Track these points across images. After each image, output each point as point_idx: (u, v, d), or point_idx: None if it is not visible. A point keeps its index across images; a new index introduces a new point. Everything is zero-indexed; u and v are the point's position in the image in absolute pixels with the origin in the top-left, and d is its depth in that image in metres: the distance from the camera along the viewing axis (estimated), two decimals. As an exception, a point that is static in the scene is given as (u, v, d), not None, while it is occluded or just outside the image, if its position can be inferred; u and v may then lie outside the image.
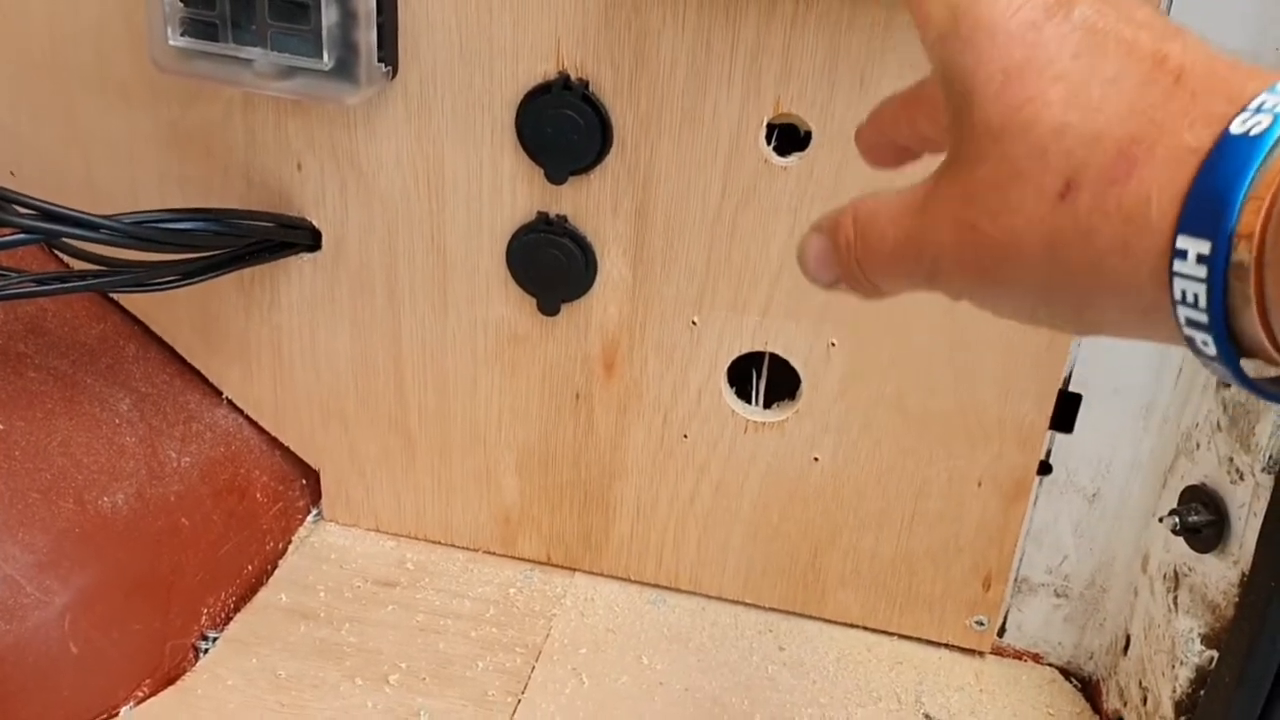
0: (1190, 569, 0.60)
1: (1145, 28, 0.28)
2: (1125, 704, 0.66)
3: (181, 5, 0.60)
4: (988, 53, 0.29)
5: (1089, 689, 0.71)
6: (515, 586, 0.75)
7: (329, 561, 0.75)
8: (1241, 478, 0.56)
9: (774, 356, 0.67)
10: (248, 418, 0.75)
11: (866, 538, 0.70)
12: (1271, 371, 0.26)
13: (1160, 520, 0.60)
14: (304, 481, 0.78)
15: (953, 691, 0.70)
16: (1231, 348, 0.25)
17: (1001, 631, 0.72)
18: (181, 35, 0.61)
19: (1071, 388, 0.64)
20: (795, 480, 0.70)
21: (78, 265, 0.65)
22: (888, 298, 0.34)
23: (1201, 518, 0.58)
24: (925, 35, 0.32)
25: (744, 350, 0.67)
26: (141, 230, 0.61)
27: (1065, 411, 0.65)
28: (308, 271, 0.69)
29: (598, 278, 0.66)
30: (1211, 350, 0.26)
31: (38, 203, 0.58)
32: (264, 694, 0.66)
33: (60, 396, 0.68)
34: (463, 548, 0.77)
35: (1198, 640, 0.58)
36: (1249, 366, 0.26)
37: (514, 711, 0.66)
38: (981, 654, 0.72)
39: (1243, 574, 0.56)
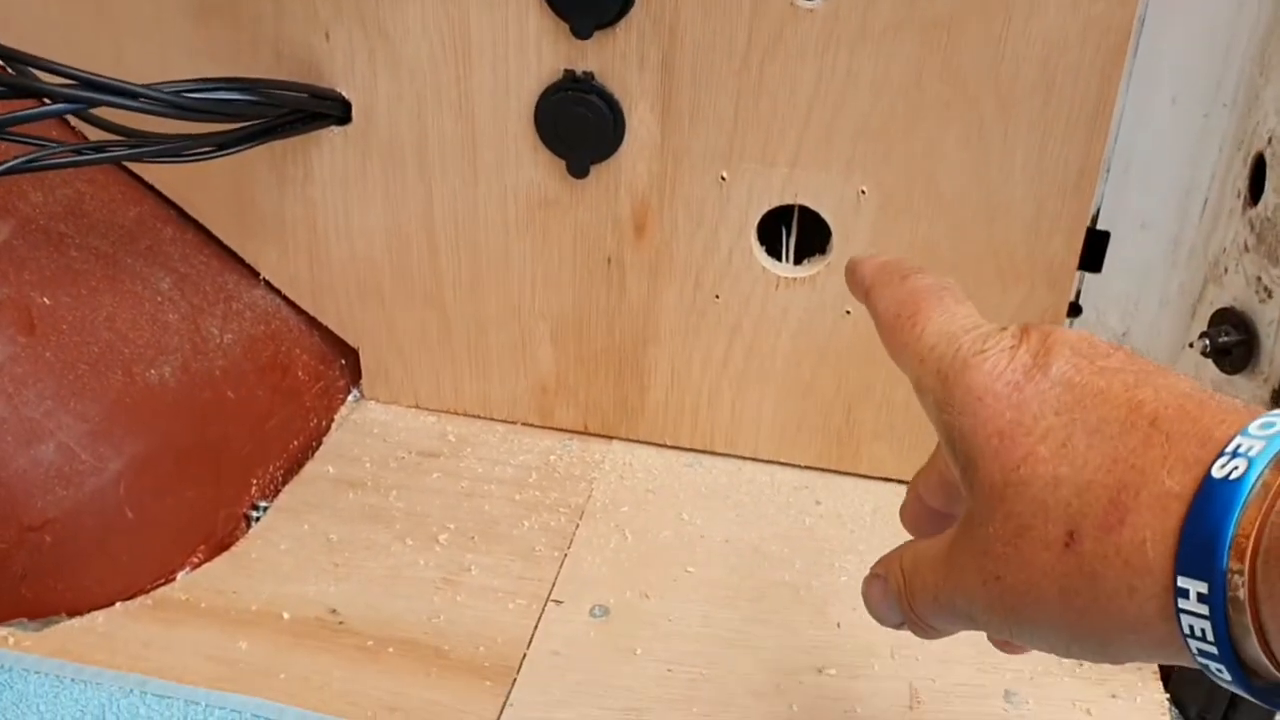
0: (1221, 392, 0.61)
1: (1118, 375, 0.30)
2: (1158, 537, 0.67)
3: None
4: (980, 416, 0.32)
5: (1122, 529, 0.72)
6: (555, 454, 0.76)
7: (372, 436, 0.77)
8: (1270, 295, 0.57)
9: (803, 213, 0.68)
10: (285, 298, 0.76)
11: (899, 390, 0.71)
12: None
13: (1190, 345, 0.61)
14: (343, 361, 0.79)
15: (988, 536, 0.71)
16: (1244, 673, 0.28)
17: (1034, 478, 0.73)
18: (207, -98, 0.61)
19: (1099, 225, 0.65)
20: (828, 336, 0.71)
21: (96, 139, 0.66)
22: (946, 637, 0.37)
23: (1231, 338, 0.58)
24: (924, 402, 0.35)
25: (773, 204, 0.67)
26: (180, 99, 0.61)
27: (1093, 250, 0.65)
28: (339, 144, 0.70)
29: (626, 136, 0.67)
30: (1226, 676, 0.28)
31: (77, 72, 0.59)
32: (317, 555, 0.67)
33: (103, 275, 0.69)
34: (502, 420, 0.79)
35: (1231, 459, 0.59)
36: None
37: (561, 565, 0.67)
38: (1015, 500, 0.73)
39: (1273, 390, 0.57)
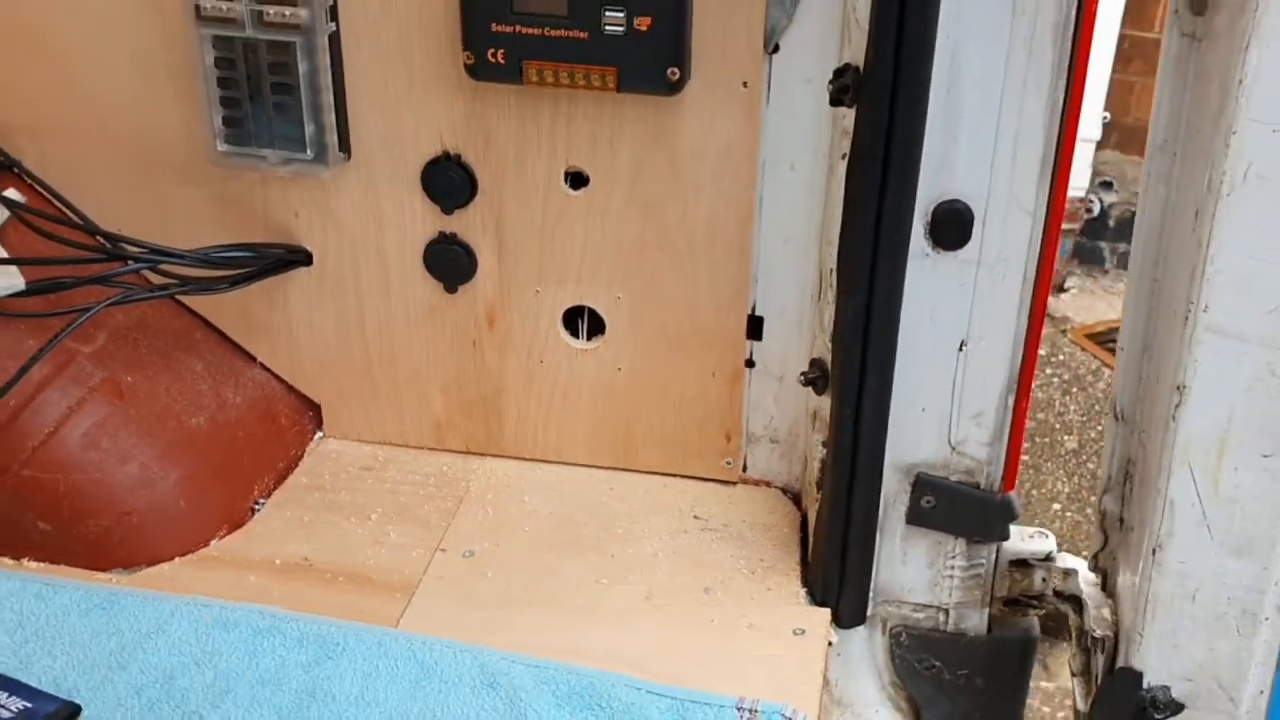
0: (820, 409, 1.05)
1: None
2: (807, 499, 1.11)
3: (224, 128, 1.05)
4: None
5: (796, 499, 1.16)
6: (446, 466, 1.20)
7: (330, 459, 1.20)
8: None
9: (590, 310, 1.12)
10: (274, 373, 1.20)
11: (656, 415, 1.15)
12: None
13: (799, 380, 1.06)
14: (311, 413, 1.22)
15: (714, 504, 1.15)
16: None
17: (745, 468, 1.17)
18: (225, 143, 1.06)
19: (756, 312, 1.09)
20: (610, 384, 1.15)
21: (158, 282, 1.09)
22: None
23: (816, 374, 1.03)
24: None
25: (569, 305, 1.12)
26: (208, 258, 1.06)
27: (755, 327, 1.10)
28: (305, 279, 1.14)
29: (478, 269, 1.11)
30: None
31: (148, 243, 1.03)
32: (296, 529, 1.10)
33: (161, 364, 1.12)
34: (412, 447, 1.22)
35: (819, 445, 1.04)
36: None
37: (445, 530, 1.10)
38: (733, 483, 1.17)
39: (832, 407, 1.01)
